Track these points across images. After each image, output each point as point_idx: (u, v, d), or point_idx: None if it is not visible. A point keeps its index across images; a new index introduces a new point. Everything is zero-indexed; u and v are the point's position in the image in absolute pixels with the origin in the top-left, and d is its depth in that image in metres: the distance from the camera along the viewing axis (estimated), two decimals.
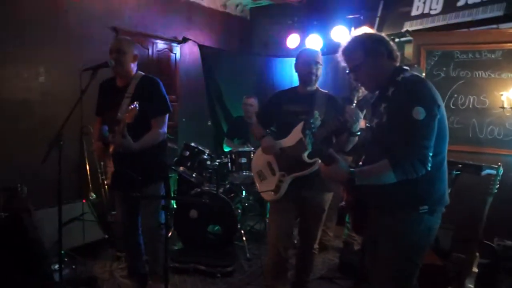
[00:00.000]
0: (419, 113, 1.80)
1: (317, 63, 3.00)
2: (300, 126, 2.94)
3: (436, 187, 1.96)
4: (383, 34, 2.09)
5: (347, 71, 2.13)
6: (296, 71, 3.09)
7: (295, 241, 3.63)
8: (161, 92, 3.04)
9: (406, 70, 2.01)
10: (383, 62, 2.03)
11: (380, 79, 2.04)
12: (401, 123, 1.85)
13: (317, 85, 3.10)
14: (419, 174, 1.82)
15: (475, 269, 2.67)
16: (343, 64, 2.13)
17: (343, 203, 2.17)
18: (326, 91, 3.11)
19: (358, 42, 2.06)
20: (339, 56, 2.13)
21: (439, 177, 1.97)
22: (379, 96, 2.08)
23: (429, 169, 1.83)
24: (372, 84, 2.10)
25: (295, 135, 2.96)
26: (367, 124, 3.78)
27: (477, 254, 2.75)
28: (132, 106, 2.69)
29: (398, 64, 2.06)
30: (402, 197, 1.92)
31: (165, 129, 3.08)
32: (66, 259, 3.62)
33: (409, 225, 1.95)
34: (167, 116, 3.07)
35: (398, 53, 2.05)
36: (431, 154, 1.83)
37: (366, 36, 2.07)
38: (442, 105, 1.91)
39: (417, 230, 1.95)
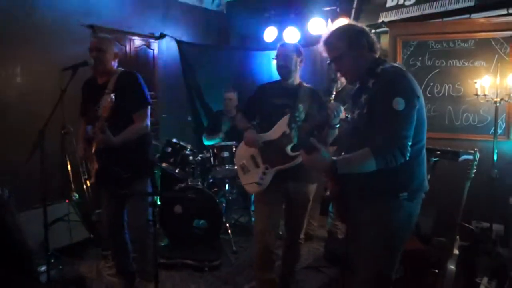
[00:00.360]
0: (399, 104, 1.85)
1: (285, 55, 3.03)
2: (284, 119, 2.97)
3: (415, 175, 2.03)
4: (364, 26, 2.14)
5: (328, 62, 2.18)
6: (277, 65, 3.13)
7: (280, 232, 3.68)
8: (140, 86, 3.03)
9: (386, 61, 2.07)
10: (364, 53, 2.08)
11: (360, 70, 2.09)
12: (382, 113, 1.91)
13: (299, 79, 3.14)
14: (398, 162, 1.88)
15: (456, 251, 2.77)
16: (324, 54, 2.17)
17: (328, 192, 2.22)
18: (309, 86, 3.16)
19: (340, 33, 2.10)
20: (320, 46, 2.17)
21: (418, 164, 2.03)
22: (360, 87, 2.13)
23: (407, 158, 1.90)
24: (353, 75, 2.15)
25: (279, 128, 3.00)
26: (347, 115, 3.89)
27: (457, 237, 2.84)
28: (108, 99, 2.69)
29: (377, 55, 2.11)
30: (382, 185, 1.98)
31: (148, 122, 3.07)
32: (52, 260, 3.60)
33: (390, 211, 2.01)
34: (148, 109, 3.06)
35: (378, 45, 2.11)
36: (410, 143, 1.89)
37: (347, 27, 2.12)
38: (421, 96, 1.98)
39: (398, 216, 2.01)
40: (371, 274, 2.05)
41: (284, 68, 3.04)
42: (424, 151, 2.07)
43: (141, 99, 3.01)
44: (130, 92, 2.94)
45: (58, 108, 2.71)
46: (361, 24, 2.16)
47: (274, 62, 3.14)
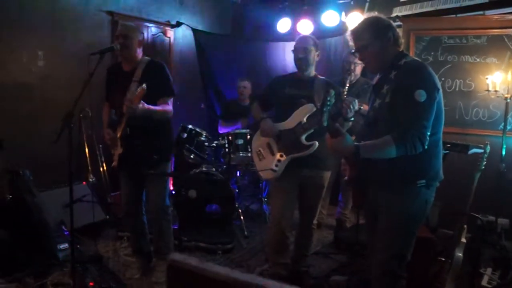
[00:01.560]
0: (421, 95, 1.96)
1: (304, 48, 3.13)
2: (301, 109, 3.07)
3: (433, 163, 2.14)
4: (391, 21, 2.23)
5: (353, 51, 2.28)
6: (294, 58, 3.22)
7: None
8: (167, 76, 3.14)
9: (408, 55, 2.17)
10: (388, 46, 2.18)
11: (384, 61, 2.19)
12: (404, 104, 2.01)
13: (315, 72, 3.24)
14: (417, 151, 1.99)
15: (464, 240, 2.87)
16: (350, 43, 2.27)
17: (346, 178, 2.32)
18: (324, 77, 3.25)
19: (368, 25, 2.21)
20: (348, 35, 2.27)
21: (435, 154, 2.14)
22: (382, 78, 2.23)
23: (426, 147, 2.00)
24: (376, 66, 2.25)
25: (296, 118, 3.09)
26: (360, 107, 3.98)
27: (465, 226, 2.95)
28: (140, 88, 2.79)
29: (401, 49, 2.21)
30: (402, 172, 2.09)
31: (172, 109, 3.18)
32: (70, 239, 3.73)
33: (408, 197, 2.13)
34: (172, 99, 3.18)
35: (402, 40, 2.21)
36: (428, 133, 2.00)
37: (376, 20, 2.22)
38: (441, 89, 2.08)
39: (415, 202, 2.13)
40: (390, 254, 2.17)
41: (304, 60, 3.14)
42: (441, 142, 2.18)
43: (167, 88, 3.12)
44: (158, 82, 3.03)
45: (78, 92, 2.77)
46: (392, 17, 2.26)
47: (292, 54, 3.23)
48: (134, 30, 3.11)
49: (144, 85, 2.78)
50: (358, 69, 4.24)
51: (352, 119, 2.92)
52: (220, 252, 3.90)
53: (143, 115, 2.94)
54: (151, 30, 5.47)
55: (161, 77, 3.10)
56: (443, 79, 4.57)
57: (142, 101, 2.85)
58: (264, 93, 3.40)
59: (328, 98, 2.30)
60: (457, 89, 4.58)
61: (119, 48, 3.00)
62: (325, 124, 2.11)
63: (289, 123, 3.13)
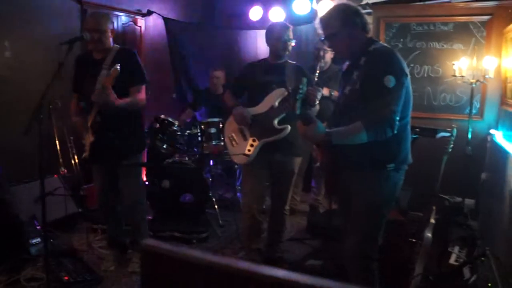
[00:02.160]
0: (390, 81, 2.01)
1: (290, 39, 3.17)
2: (272, 94, 3.10)
3: (402, 147, 2.20)
4: (358, 7, 2.27)
5: (322, 38, 2.31)
6: (268, 45, 3.23)
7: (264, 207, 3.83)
8: (138, 63, 3.11)
9: (377, 41, 2.21)
10: (357, 32, 2.22)
11: (353, 48, 2.23)
12: (373, 89, 2.06)
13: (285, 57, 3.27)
14: (387, 135, 2.04)
15: (433, 221, 2.98)
16: (319, 31, 2.30)
17: (318, 164, 2.37)
18: (294, 62, 3.29)
19: (335, 12, 2.23)
20: (316, 23, 2.30)
21: (404, 138, 2.21)
22: (352, 65, 2.28)
23: (395, 131, 2.06)
24: (345, 52, 2.29)
25: (268, 102, 3.13)
26: (331, 93, 4.02)
27: (434, 207, 3.05)
28: (113, 68, 2.75)
29: (369, 35, 2.25)
30: (372, 157, 2.15)
31: (144, 97, 3.15)
32: (42, 233, 3.67)
33: (378, 181, 2.19)
34: (144, 86, 3.14)
35: (371, 26, 2.24)
36: (398, 118, 2.05)
37: (343, 7, 2.25)
38: (409, 75, 2.14)
39: (385, 185, 2.19)
40: (361, 236, 2.23)
41: (287, 49, 3.18)
42: (409, 127, 2.24)
43: (139, 75, 3.09)
44: (129, 69, 2.99)
45: (47, 83, 2.71)
46: (356, 4, 2.29)
47: (293, 44, 3.23)
48: (105, 21, 3.04)
49: (117, 66, 2.74)
50: (328, 56, 4.28)
51: (317, 105, 2.98)
52: (195, 241, 3.92)
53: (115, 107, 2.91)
54: (121, 19, 5.37)
55: (133, 64, 3.07)
56: (412, 65, 4.67)
57: (115, 97, 2.80)
58: (235, 81, 3.42)
59: (301, 86, 2.33)
60: (425, 75, 4.70)
61: (89, 38, 2.95)
62: (298, 112, 2.15)
63: (261, 107, 3.17)
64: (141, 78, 3.10)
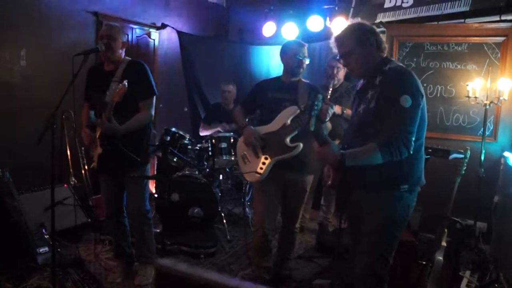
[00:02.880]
0: (406, 101, 1.99)
1: (305, 57, 3.17)
2: (285, 112, 3.09)
3: (415, 169, 2.17)
4: (373, 26, 2.26)
5: (337, 57, 2.31)
6: (283, 62, 3.24)
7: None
8: (148, 76, 3.13)
9: (392, 61, 2.20)
10: (372, 51, 2.21)
11: (368, 67, 2.22)
12: (389, 109, 2.04)
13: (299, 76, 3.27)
14: (402, 156, 2.02)
15: (444, 244, 2.93)
16: (334, 50, 2.30)
17: (330, 182, 2.34)
18: (308, 81, 3.28)
19: (351, 31, 2.23)
20: (332, 41, 2.30)
21: (418, 159, 2.18)
22: (367, 84, 2.26)
23: (411, 152, 2.03)
24: (360, 71, 2.28)
25: (280, 120, 3.11)
26: (343, 111, 4.01)
27: (446, 230, 3.00)
28: (121, 85, 2.78)
29: (385, 55, 2.24)
30: (386, 177, 2.12)
31: (153, 112, 3.17)
32: (50, 243, 3.67)
33: (391, 202, 2.16)
34: (154, 98, 3.16)
35: (386, 45, 2.24)
36: (413, 139, 2.03)
37: (358, 26, 2.24)
38: (424, 95, 2.12)
39: (398, 206, 2.16)
40: (374, 257, 2.19)
41: (301, 68, 3.20)
42: (423, 147, 2.21)
43: (148, 88, 3.11)
44: (139, 81, 3.02)
45: (61, 92, 2.74)
46: (369, 23, 2.29)
47: (286, 57, 3.23)
48: (117, 31, 3.10)
49: (125, 82, 2.77)
50: (341, 74, 4.29)
51: (327, 121, 2.98)
52: (203, 256, 3.88)
53: (124, 111, 2.94)
54: (136, 31, 5.44)
55: (142, 76, 3.09)
56: (425, 84, 4.65)
57: (115, 122, 2.87)
58: (248, 97, 3.42)
59: (316, 103, 2.33)
60: (438, 95, 4.67)
61: (103, 49, 2.99)
62: (312, 128, 2.14)
63: (273, 125, 3.15)
64: (149, 91, 3.12)
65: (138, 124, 3.08)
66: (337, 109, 3.85)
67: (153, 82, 3.15)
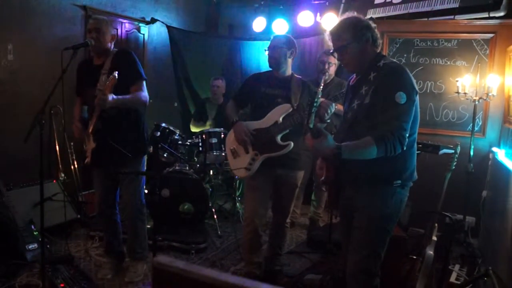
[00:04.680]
0: (401, 97, 2.00)
1: (274, 47, 3.15)
2: (277, 109, 3.08)
3: (408, 164, 2.19)
4: (370, 21, 2.26)
5: (331, 51, 2.30)
6: None
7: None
8: (135, 61, 3.10)
9: (386, 57, 2.20)
10: (367, 47, 2.21)
11: (362, 62, 2.22)
12: (384, 105, 2.04)
13: (291, 71, 3.25)
14: (397, 152, 2.02)
15: (434, 238, 2.95)
16: (329, 43, 2.29)
17: (323, 178, 2.34)
18: (300, 77, 3.27)
19: (348, 25, 2.21)
20: (327, 35, 2.29)
21: (410, 155, 2.19)
22: (360, 79, 2.26)
23: (405, 148, 2.04)
24: (355, 66, 2.28)
25: (272, 117, 3.10)
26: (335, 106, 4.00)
27: (436, 225, 3.02)
28: (111, 76, 2.75)
29: (379, 51, 2.24)
30: (379, 173, 2.13)
31: (146, 94, 3.11)
32: (40, 239, 3.63)
33: (385, 197, 2.17)
34: (143, 82, 3.12)
35: (381, 41, 2.24)
36: (407, 135, 2.04)
37: (354, 20, 2.23)
38: (418, 91, 2.13)
39: (391, 201, 2.17)
40: (367, 253, 2.20)
41: (273, 59, 3.16)
42: (416, 143, 2.22)
43: (136, 73, 3.08)
44: (127, 69, 2.99)
45: (50, 88, 2.70)
46: (367, 19, 2.29)
47: (267, 53, 3.24)
48: (106, 24, 3.07)
49: (115, 73, 2.74)
50: (332, 69, 4.29)
51: (328, 120, 2.96)
52: (194, 251, 3.87)
53: (117, 107, 2.91)
54: (125, 26, 5.38)
55: (129, 63, 3.06)
56: (414, 80, 4.66)
57: (112, 93, 2.80)
58: (240, 91, 3.39)
59: (316, 100, 2.33)
60: (428, 91, 4.70)
61: (93, 44, 2.96)
62: (311, 125, 2.13)
63: (265, 122, 3.14)
64: (138, 75, 3.08)
65: (135, 100, 3.01)
66: (339, 107, 3.82)
67: (141, 68, 3.11)
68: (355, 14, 2.27)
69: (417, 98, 2.13)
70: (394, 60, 2.24)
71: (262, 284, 0.61)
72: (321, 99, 2.84)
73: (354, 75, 2.37)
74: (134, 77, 3.06)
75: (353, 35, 2.18)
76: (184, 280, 0.67)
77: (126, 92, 3.00)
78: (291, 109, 3.04)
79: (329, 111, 2.84)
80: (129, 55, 3.10)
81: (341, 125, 2.43)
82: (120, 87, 2.87)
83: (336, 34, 2.24)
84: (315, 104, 2.23)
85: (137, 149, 3.15)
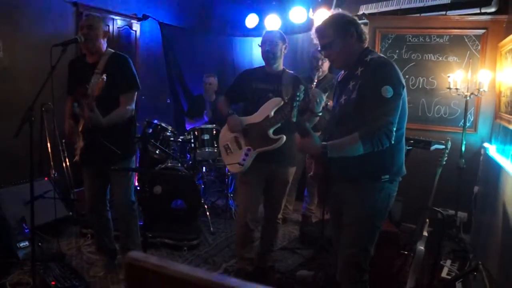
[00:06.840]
0: (387, 91, 2.00)
1: (271, 41, 3.14)
2: (268, 103, 3.08)
3: (396, 159, 2.19)
4: (355, 17, 2.26)
5: (318, 48, 2.29)
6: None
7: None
8: (131, 69, 3.08)
9: (373, 51, 2.20)
10: (352, 42, 2.20)
11: (349, 58, 2.22)
12: (371, 100, 2.04)
13: (283, 66, 3.25)
14: (384, 146, 2.02)
15: (426, 234, 2.96)
16: (315, 41, 2.28)
17: (311, 173, 2.34)
18: (292, 72, 3.27)
19: (331, 22, 2.22)
20: (312, 33, 2.28)
21: (399, 150, 2.19)
22: (348, 75, 2.26)
23: (392, 142, 2.04)
24: (341, 62, 2.27)
25: (263, 112, 3.10)
26: (326, 103, 4.01)
27: (427, 220, 3.04)
28: (100, 78, 2.73)
29: (366, 45, 2.24)
30: (367, 168, 2.13)
31: (133, 106, 3.12)
32: (31, 237, 3.61)
33: (373, 192, 2.17)
34: (135, 92, 3.12)
35: (367, 36, 2.23)
36: (394, 129, 2.04)
37: (338, 16, 2.23)
38: (405, 86, 2.13)
39: (379, 196, 2.17)
40: (356, 248, 2.20)
41: (270, 53, 3.15)
42: (404, 138, 2.22)
43: (130, 81, 3.06)
44: (120, 74, 2.97)
45: (39, 85, 2.68)
46: (352, 15, 2.28)
47: (260, 48, 3.23)
48: (98, 20, 3.04)
49: (104, 76, 2.72)
50: (326, 65, 4.28)
51: (320, 113, 2.94)
52: (186, 248, 3.87)
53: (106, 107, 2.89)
54: (117, 22, 5.35)
55: (124, 69, 3.04)
56: (407, 76, 4.68)
57: (97, 112, 2.81)
58: (232, 87, 3.39)
59: (298, 94, 2.32)
60: (420, 87, 4.71)
61: (83, 40, 2.93)
62: (294, 119, 2.12)
63: (257, 117, 3.14)
64: (132, 85, 3.08)
65: (118, 118, 3.02)
66: (331, 103, 3.81)
67: (136, 76, 3.10)
68: (340, 10, 2.27)
69: (405, 92, 2.12)
70: (382, 55, 2.24)
71: (230, 278, 0.60)
72: (313, 89, 2.82)
73: (342, 71, 2.37)
74: (128, 85, 3.05)
75: (337, 31, 2.18)
76: (157, 276, 0.66)
77: (116, 97, 2.99)
78: (282, 103, 3.04)
79: (318, 100, 2.79)
80: (125, 61, 3.08)
81: (329, 120, 2.43)
82: (110, 92, 2.85)
83: (320, 31, 2.24)
84: (297, 98, 2.23)
85: (127, 148, 3.13)
